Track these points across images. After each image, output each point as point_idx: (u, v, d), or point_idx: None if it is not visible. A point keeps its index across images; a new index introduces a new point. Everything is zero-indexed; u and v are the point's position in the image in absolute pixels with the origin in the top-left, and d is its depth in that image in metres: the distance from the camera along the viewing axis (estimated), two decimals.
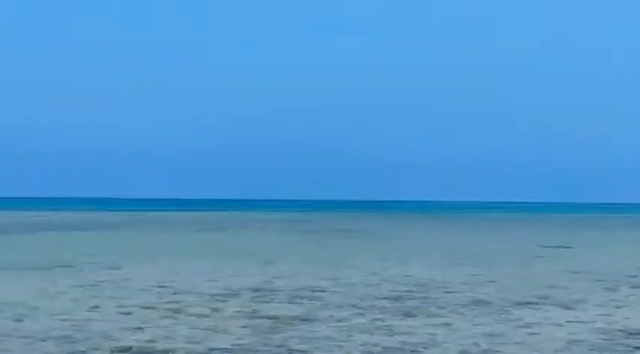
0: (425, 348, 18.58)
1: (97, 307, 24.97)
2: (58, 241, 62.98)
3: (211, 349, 18.34)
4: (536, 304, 26.42)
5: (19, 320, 22.31)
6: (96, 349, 18.22)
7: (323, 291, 29.75)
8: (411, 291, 29.90)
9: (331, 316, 23.46)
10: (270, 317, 23.23)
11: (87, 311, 24.05)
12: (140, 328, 21.12)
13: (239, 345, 18.97)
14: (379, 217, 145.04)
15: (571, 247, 59.75)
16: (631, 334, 20.62)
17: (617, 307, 25.62)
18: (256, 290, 29.74)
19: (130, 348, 18.38)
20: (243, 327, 21.50)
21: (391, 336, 20.23)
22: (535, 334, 20.58)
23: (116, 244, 58.08)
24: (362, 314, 24.00)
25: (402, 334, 20.56)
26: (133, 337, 19.76)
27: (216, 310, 24.65)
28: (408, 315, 23.87)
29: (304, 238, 70.42)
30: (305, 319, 22.88)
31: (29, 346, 18.84)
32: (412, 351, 18.23)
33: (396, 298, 27.71)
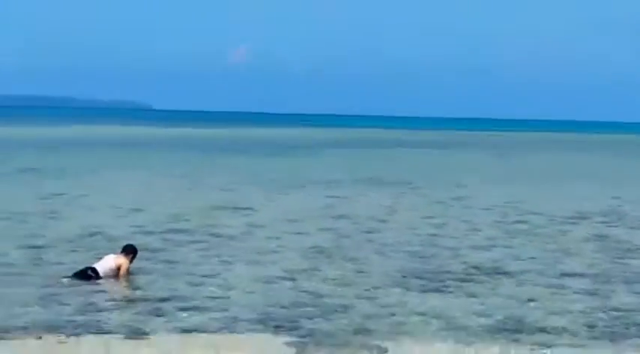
0: None
1: (444, 224, 25.13)
2: (402, 158, 64.37)
3: (564, 274, 17.79)
4: None
5: (369, 232, 22.95)
6: (446, 265, 18.30)
7: None
8: None
9: None
10: (621, 242, 22.23)
11: (435, 228, 24.26)
12: (488, 247, 20.98)
13: (592, 269, 18.30)
14: None
15: None
16: None
17: None
18: (606, 214, 28.59)
19: (479, 266, 18.28)
20: (594, 251, 20.72)
21: None
22: None
23: (455, 164, 58.36)
24: None
25: None
26: (481, 256, 19.66)
27: (564, 232, 23.97)
28: None
29: None
30: None
31: (381, 256, 19.31)
32: None
33: None
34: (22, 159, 48.36)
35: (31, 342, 11.90)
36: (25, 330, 12.45)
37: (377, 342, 12.11)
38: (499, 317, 13.88)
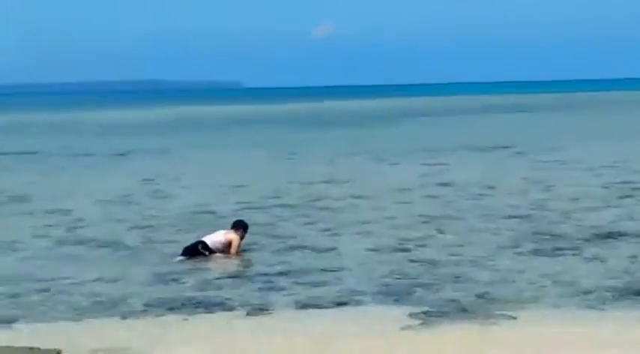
0: None
1: (551, 186, 24.58)
2: (495, 123, 63.51)
3: None
4: None
5: (476, 199, 22.57)
6: (559, 229, 17.86)
7: None
8: None
9: None
10: None
11: (542, 191, 23.74)
12: (600, 208, 20.43)
13: None
14: None
15: None
16: None
17: None
18: None
19: (594, 228, 17.79)
20: None
21: None
22: None
23: (546, 126, 57.23)
24: None
25: None
26: (594, 217, 19.14)
27: None
28: None
29: None
30: None
31: (491, 222, 18.92)
32: None
33: None
34: (120, 142, 49.07)
35: (153, 321, 11.96)
36: (146, 309, 12.53)
37: (502, 310, 11.83)
38: (623, 279, 13.48)
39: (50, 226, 20.14)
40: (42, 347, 10.33)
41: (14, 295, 13.52)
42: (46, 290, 13.82)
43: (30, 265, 15.83)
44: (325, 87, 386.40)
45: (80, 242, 18.06)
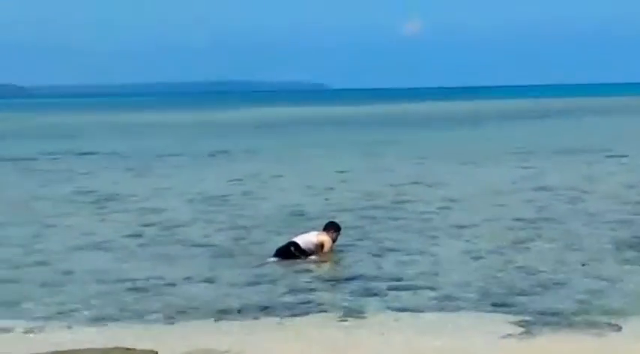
0: None
1: None
2: (584, 125, 62.26)
3: None
4: None
5: (573, 203, 21.95)
6: None
7: None
8: None
9: None
10: None
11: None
12: None
13: None
14: None
15: None
16: None
17: None
18: None
19: None
20: None
21: None
22: None
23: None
24: None
25: None
26: None
27: None
28: None
29: None
30: None
31: (590, 227, 18.34)
32: None
33: None
34: (209, 142, 49.41)
35: (248, 323, 11.82)
36: (240, 311, 12.40)
37: (606, 320, 11.37)
38: None
39: (142, 225, 20.22)
40: (137, 348, 10.25)
41: (109, 295, 13.55)
42: (140, 290, 13.83)
43: (123, 265, 15.89)
44: (410, 88, 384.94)
45: (172, 242, 18.07)
